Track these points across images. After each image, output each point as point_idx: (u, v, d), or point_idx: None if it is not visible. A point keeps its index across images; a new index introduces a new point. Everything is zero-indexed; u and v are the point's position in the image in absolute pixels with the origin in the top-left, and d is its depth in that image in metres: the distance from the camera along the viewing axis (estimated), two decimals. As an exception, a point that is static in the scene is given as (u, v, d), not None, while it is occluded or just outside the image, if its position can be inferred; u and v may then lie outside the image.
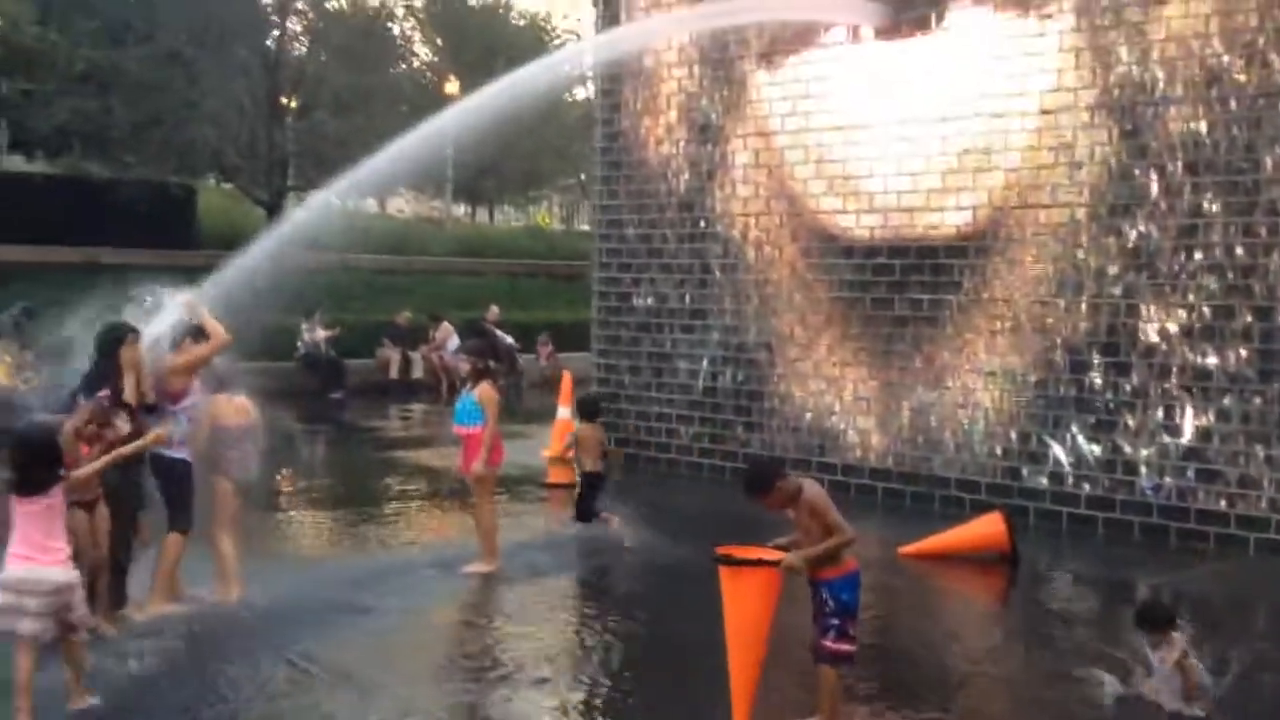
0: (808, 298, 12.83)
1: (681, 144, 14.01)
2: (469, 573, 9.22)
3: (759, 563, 6.07)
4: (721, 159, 13.61)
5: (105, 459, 7.12)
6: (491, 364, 9.67)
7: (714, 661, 6.26)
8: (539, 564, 9.65)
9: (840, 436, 12.50)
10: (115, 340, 7.82)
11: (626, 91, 14.55)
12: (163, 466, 7.97)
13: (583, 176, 41.46)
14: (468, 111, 10.99)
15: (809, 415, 12.80)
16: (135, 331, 7.99)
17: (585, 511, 10.58)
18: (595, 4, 15.24)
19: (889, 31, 11.98)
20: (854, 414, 12.45)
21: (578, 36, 37.95)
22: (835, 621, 5.89)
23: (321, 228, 10.61)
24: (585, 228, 45.30)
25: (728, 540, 6.29)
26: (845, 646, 5.92)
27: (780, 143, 13.05)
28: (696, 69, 13.87)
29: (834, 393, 12.59)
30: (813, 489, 6.00)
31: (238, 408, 8.28)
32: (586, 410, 11.35)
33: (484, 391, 9.29)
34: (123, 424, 7.75)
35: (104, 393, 7.65)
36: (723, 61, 13.60)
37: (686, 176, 13.95)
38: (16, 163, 33.07)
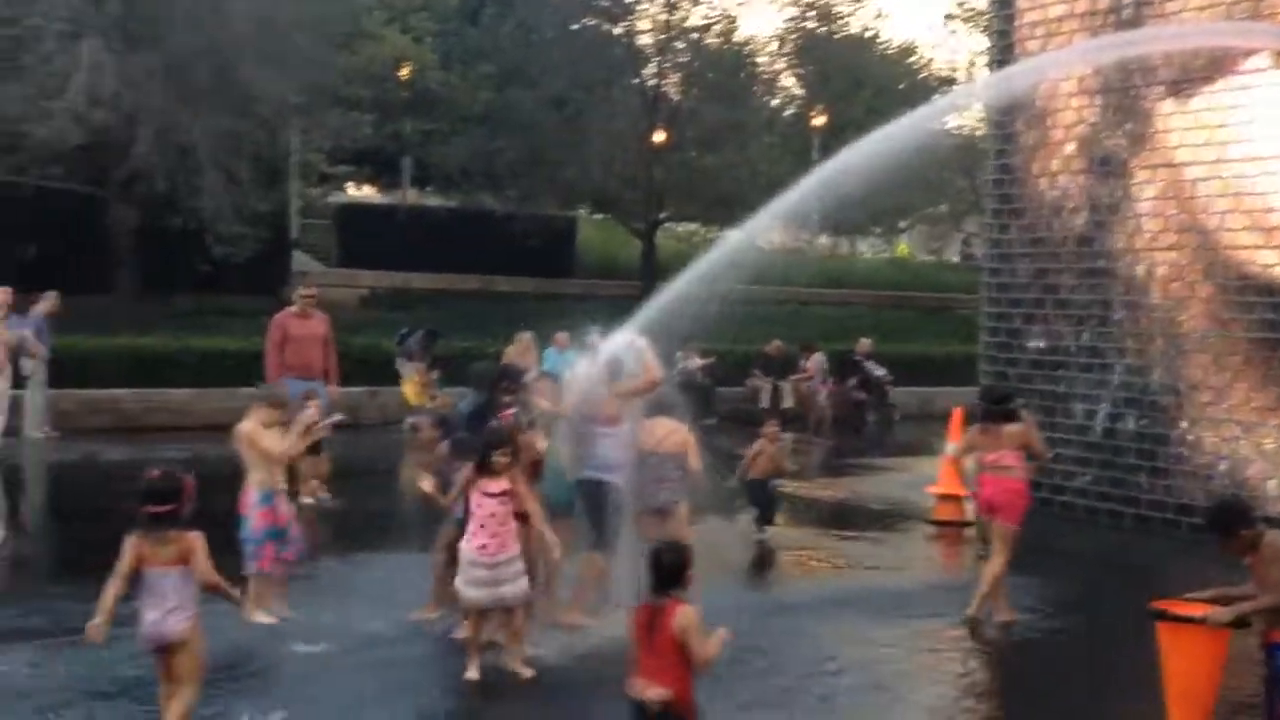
0: (1222, 340, 12.12)
1: (1080, 177, 13.56)
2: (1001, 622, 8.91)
3: (1192, 619, 5.80)
4: (1125, 193, 13.08)
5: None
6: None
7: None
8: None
9: (1259, 487, 11.71)
10: (495, 379, 8.59)
11: (1020, 124, 14.23)
12: (585, 488, 8.37)
13: (946, 207, 40.75)
14: (871, 152, 11.01)
15: (1223, 464, 12.07)
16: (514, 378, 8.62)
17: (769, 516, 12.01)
18: (989, 35, 15.02)
19: (1323, 56, 11.20)
20: (1275, 464, 11.64)
21: (954, 69, 37.38)
22: None
23: (741, 263, 10.97)
24: (954, 259, 44.50)
25: (1141, 591, 6.07)
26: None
27: (1192, 175, 12.42)
28: (1097, 100, 13.41)
29: (1252, 441, 11.82)
30: (1276, 541, 5.68)
31: (658, 434, 8.53)
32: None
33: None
34: (541, 441, 8.24)
35: (508, 412, 8.24)
36: (1126, 92, 13.09)
37: (1085, 211, 13.49)
38: (414, 196, 35.87)
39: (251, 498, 8.09)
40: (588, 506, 8.40)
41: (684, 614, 5.08)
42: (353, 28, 27.07)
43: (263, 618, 8.09)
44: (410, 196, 35.49)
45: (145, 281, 21.98)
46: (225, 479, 8.46)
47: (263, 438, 8.07)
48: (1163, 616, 6.13)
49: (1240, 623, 5.85)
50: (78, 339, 17.36)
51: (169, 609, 5.66)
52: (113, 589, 5.61)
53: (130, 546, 5.66)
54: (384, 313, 24.20)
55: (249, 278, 22.97)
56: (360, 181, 36.86)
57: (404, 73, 30.38)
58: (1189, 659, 5.91)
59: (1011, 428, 9.02)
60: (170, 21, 20.83)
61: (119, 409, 17.13)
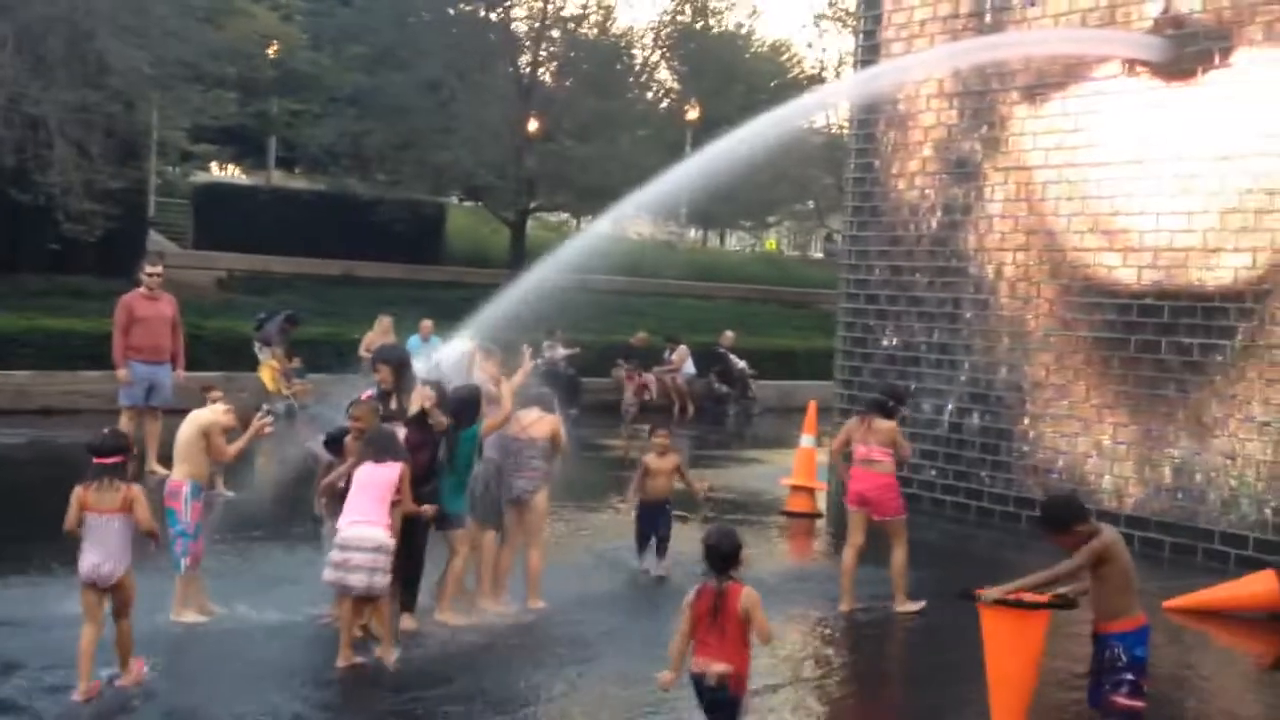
0: (1065, 339, 12.49)
1: (936, 178, 13.85)
2: (902, 611, 9.12)
3: (1017, 604, 5.93)
4: (978, 194, 13.39)
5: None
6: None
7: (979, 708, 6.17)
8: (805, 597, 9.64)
9: (1094, 482, 12.10)
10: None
11: (881, 124, 14.47)
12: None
13: (811, 204, 41.32)
14: (738, 145, 11.11)
15: (1061, 459, 12.45)
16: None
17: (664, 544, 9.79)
18: (856, 35, 15.24)
19: (1169, 67, 11.58)
20: (1111, 460, 12.05)
21: (821, 66, 37.93)
22: (1129, 677, 5.74)
23: (596, 252, 10.94)
24: (818, 255, 45.20)
25: (975, 579, 6.24)
26: (1137, 703, 5.77)
27: (1043, 178, 12.76)
28: (955, 103, 13.70)
29: (1090, 438, 12.21)
30: (1110, 537, 5.83)
31: (524, 421, 8.56)
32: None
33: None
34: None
35: (367, 394, 8.26)
36: (983, 96, 13.40)
37: (940, 211, 13.78)
38: (279, 178, 35.14)
39: (184, 490, 7.77)
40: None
41: (749, 595, 5.52)
42: (219, 2, 26.36)
43: (192, 616, 7.83)
44: (276, 178, 34.76)
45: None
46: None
47: (219, 433, 7.95)
48: (978, 600, 6.26)
49: (1066, 604, 5.99)
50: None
51: (110, 553, 6.45)
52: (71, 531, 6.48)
53: (76, 496, 6.44)
54: (241, 296, 23.66)
55: (101, 258, 22.21)
56: (224, 161, 36.00)
57: (272, 51, 29.74)
58: (1007, 643, 6.03)
59: (883, 423, 9.19)
60: (22, -12, 20.05)
61: (-43, 390, 16.47)
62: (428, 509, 7.74)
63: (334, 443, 8.26)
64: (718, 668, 5.47)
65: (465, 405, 8.05)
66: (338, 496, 7.72)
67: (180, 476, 7.83)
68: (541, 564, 8.72)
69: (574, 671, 7.45)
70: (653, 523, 9.77)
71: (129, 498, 6.47)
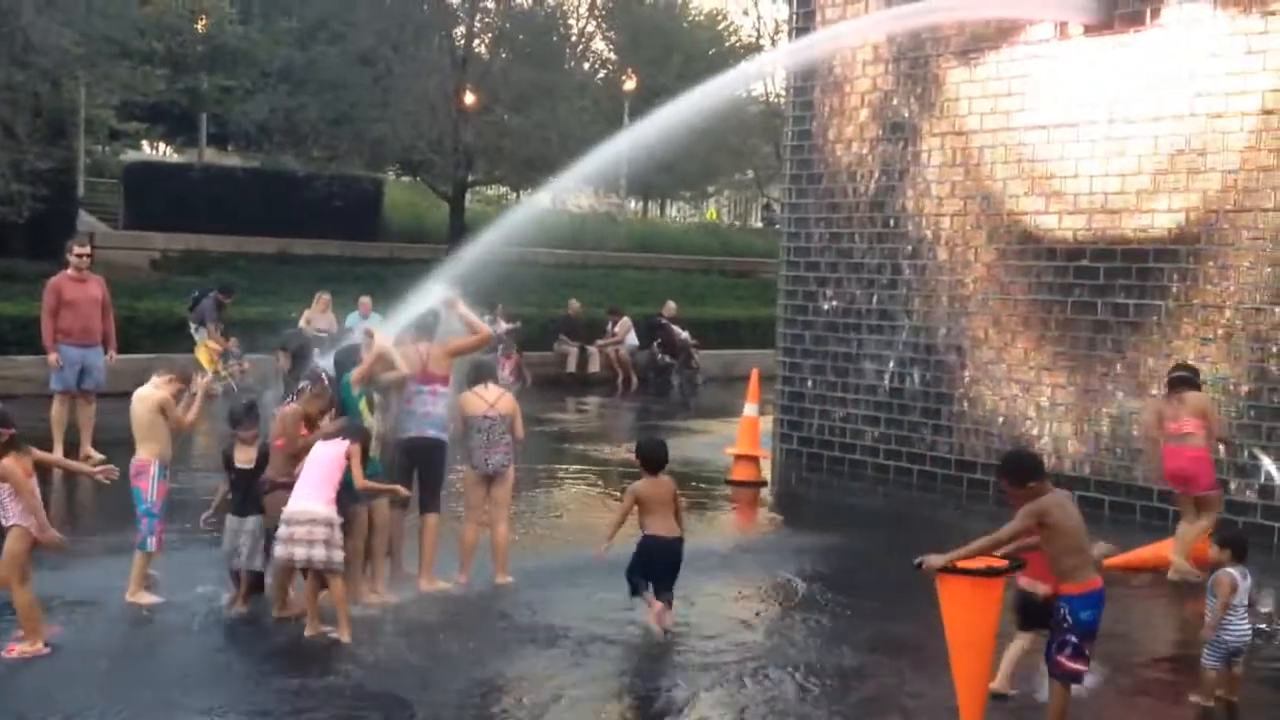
0: (1003, 300, 12.57)
1: (873, 143, 13.86)
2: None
3: (968, 572, 5.91)
4: (915, 158, 13.42)
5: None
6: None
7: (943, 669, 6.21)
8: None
9: (1034, 442, 12.20)
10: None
11: (818, 90, 14.45)
12: (425, 445, 8.28)
13: (751, 173, 41.34)
14: (678, 114, 11.00)
15: (1001, 419, 12.55)
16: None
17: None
18: (790, 1, 15.18)
19: (1100, 27, 11.65)
20: (1050, 420, 12.16)
21: (758, 34, 37.87)
22: (1073, 639, 5.77)
23: (536, 225, 10.83)
24: (758, 224, 45.24)
25: (921, 543, 6.29)
26: (1079, 665, 5.82)
27: (978, 142, 12.81)
28: (891, 67, 13.71)
29: (1029, 397, 12.32)
30: (1052, 502, 5.84)
31: (484, 399, 8.50)
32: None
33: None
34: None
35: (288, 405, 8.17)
36: (919, 59, 13.41)
37: (878, 176, 13.80)
38: (211, 155, 34.57)
39: (150, 470, 7.75)
40: (427, 465, 8.30)
41: None
42: (144, -23, 25.86)
43: (147, 598, 7.78)
44: (208, 155, 34.22)
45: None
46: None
47: (173, 406, 7.92)
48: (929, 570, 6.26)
49: (1015, 566, 6.03)
50: None
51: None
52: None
53: (29, 464, 6.81)
54: (175, 276, 23.31)
55: (31, 239, 21.80)
56: (154, 139, 35.37)
57: (200, 25, 29.23)
58: (966, 610, 6.03)
59: (1193, 396, 9.20)
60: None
61: (-118, 377, 16.07)
62: (400, 489, 7.95)
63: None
64: (1043, 588, 6.30)
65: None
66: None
67: (147, 456, 7.81)
68: (509, 537, 8.74)
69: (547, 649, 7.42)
70: (652, 566, 7.67)
71: (34, 458, 6.96)
